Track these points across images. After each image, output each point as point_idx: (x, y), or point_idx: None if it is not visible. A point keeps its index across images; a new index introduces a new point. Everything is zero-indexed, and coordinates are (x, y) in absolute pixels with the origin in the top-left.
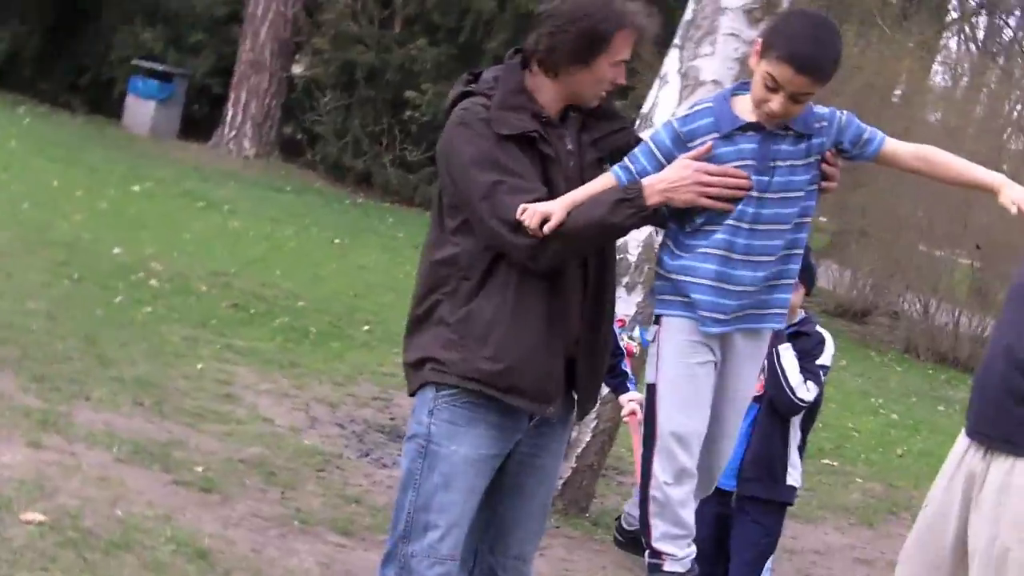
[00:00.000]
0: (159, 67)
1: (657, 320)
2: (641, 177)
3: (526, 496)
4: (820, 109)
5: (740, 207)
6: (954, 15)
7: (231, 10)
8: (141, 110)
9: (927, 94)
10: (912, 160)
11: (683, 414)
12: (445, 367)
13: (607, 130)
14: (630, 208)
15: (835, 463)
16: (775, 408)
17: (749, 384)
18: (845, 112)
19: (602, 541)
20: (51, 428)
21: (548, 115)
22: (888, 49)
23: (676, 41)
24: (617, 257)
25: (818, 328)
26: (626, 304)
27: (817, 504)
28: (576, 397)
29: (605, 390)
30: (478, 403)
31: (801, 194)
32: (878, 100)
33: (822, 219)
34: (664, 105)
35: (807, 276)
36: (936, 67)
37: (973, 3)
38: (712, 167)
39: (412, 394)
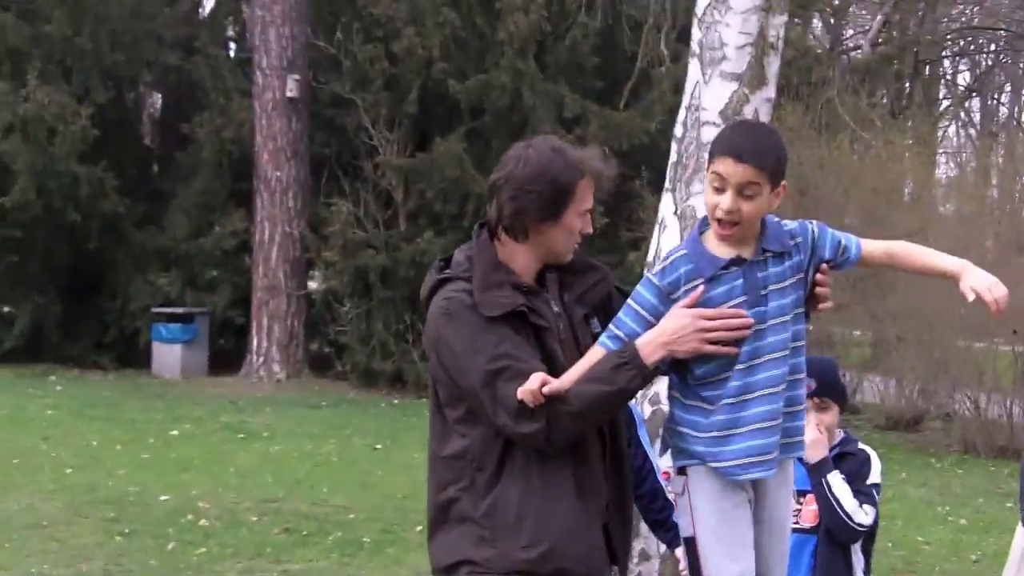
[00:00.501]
0: (179, 310)
1: (682, 471)
2: (631, 339)
3: None
4: (790, 224)
5: (750, 345)
6: (945, 103)
7: (239, 241)
8: (168, 355)
9: (935, 188)
10: (883, 258)
11: (731, 560)
12: (483, 567)
13: (588, 284)
14: (630, 371)
15: None
16: (834, 537)
17: (786, 512)
18: (815, 222)
19: None
20: None
21: (529, 284)
22: (886, 151)
23: (667, 184)
24: (651, 409)
25: (861, 446)
26: (669, 456)
27: None
28: (616, 560)
29: (663, 547)
30: None
31: (791, 316)
32: (885, 203)
33: (856, 333)
34: (667, 250)
35: (838, 394)
36: (939, 159)
37: (962, 88)
38: (709, 311)
39: None
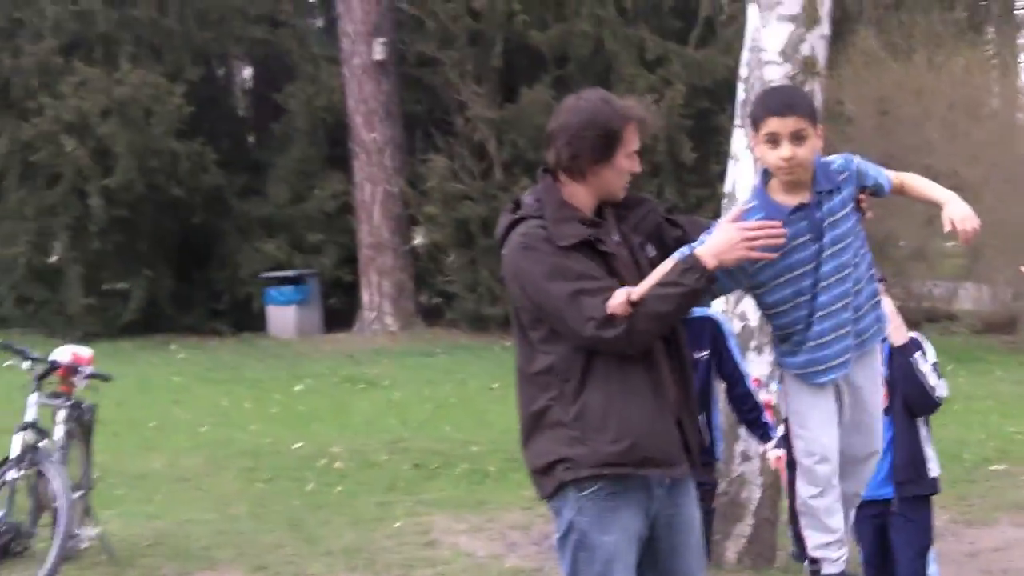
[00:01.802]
0: (289, 273)
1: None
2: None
3: (683, 551)
4: (835, 162)
5: (812, 277)
6: None
7: (341, 203)
8: (282, 317)
9: (1017, 98)
10: (899, 187)
11: (813, 436)
12: (577, 463)
13: (640, 215)
14: (694, 273)
15: (1001, 467)
16: (911, 411)
17: (878, 394)
18: (858, 157)
19: None
20: None
21: (592, 218)
22: (964, 66)
23: (737, 121)
24: (740, 324)
25: (911, 333)
26: (759, 364)
27: (991, 507)
28: (689, 450)
29: (762, 448)
30: (616, 491)
31: (851, 239)
32: (965, 117)
33: (949, 244)
34: (742, 182)
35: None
36: (1021, 68)
37: None
38: (751, 223)
39: (546, 498)
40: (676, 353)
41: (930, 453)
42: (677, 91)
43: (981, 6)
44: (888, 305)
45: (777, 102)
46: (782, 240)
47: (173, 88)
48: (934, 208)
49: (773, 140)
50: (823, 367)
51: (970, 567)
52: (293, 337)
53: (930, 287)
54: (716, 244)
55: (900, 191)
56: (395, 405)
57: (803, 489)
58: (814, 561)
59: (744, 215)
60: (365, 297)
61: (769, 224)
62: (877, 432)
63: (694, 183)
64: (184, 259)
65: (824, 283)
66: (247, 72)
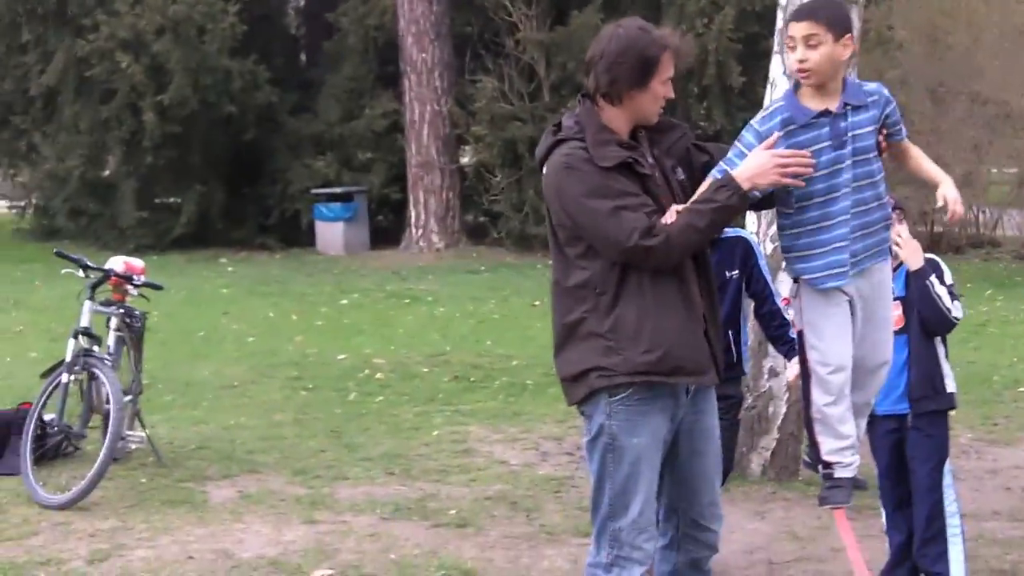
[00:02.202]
0: (338, 190)
1: (796, 280)
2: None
3: (702, 455)
4: (869, 85)
5: (826, 182)
6: None
7: (390, 122)
8: (331, 233)
9: None
10: (901, 153)
11: (827, 347)
12: (611, 371)
13: (672, 140)
14: (728, 191)
15: None
16: (928, 331)
17: (885, 309)
18: (888, 92)
19: (815, 496)
20: (320, 506)
21: (629, 141)
22: None
23: (775, 48)
24: (772, 247)
25: (928, 255)
26: (789, 285)
27: (1015, 427)
28: (715, 360)
29: (787, 364)
30: (646, 397)
31: (871, 156)
32: (1013, 44)
33: (992, 171)
34: None
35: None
36: None
37: None
38: (784, 151)
39: (576, 403)
40: (703, 270)
41: (947, 370)
42: (727, 15)
43: None
44: (904, 231)
45: (797, 9)
46: (812, 169)
47: (227, 6)
48: (932, 183)
49: (791, 44)
50: (830, 272)
51: (990, 483)
52: (340, 253)
53: (975, 213)
54: (750, 168)
55: (902, 156)
56: (438, 320)
57: (817, 397)
58: (828, 465)
59: (770, 115)
60: (412, 215)
61: (800, 153)
62: (887, 344)
63: (741, 107)
64: (235, 175)
65: (841, 191)
66: None
